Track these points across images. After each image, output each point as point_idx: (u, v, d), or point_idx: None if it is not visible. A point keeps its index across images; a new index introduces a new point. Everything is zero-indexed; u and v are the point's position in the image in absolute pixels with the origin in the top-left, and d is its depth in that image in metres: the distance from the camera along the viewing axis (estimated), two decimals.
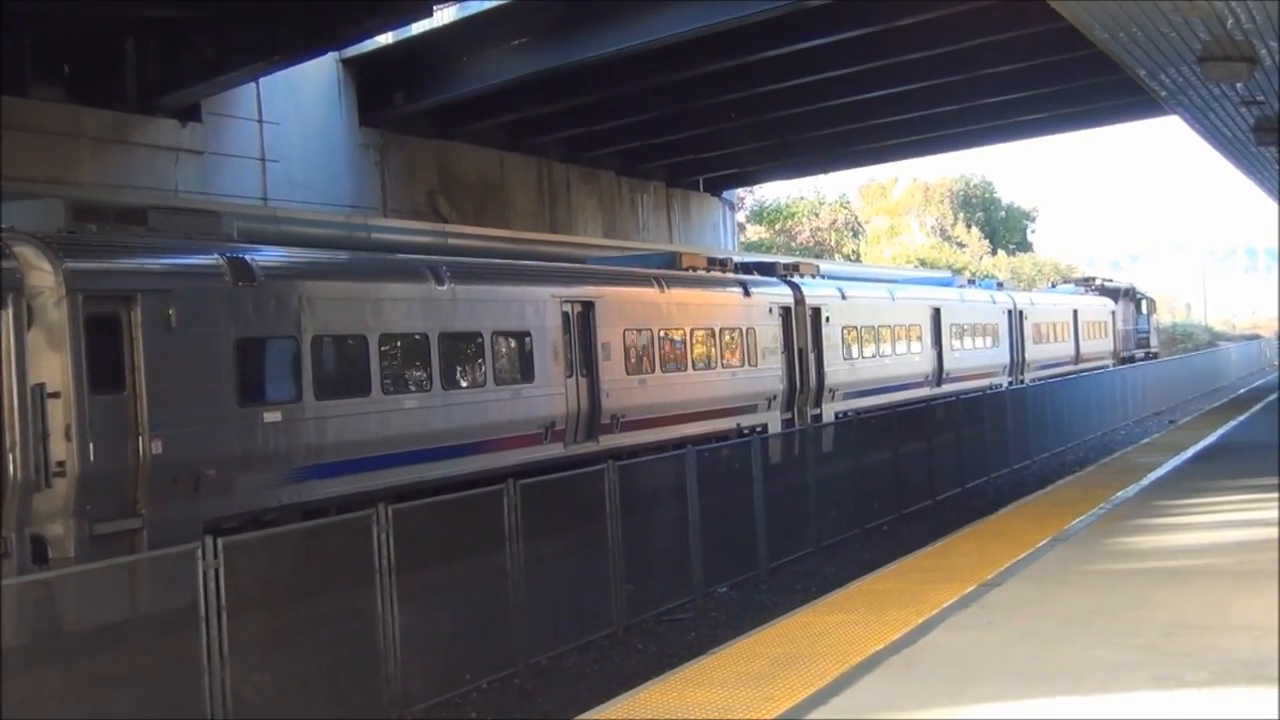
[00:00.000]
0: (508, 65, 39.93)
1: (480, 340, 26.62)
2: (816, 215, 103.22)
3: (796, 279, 40.51)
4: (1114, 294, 75.97)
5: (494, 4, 37.62)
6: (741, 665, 13.43)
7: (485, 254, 34.75)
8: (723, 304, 35.62)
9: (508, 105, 44.29)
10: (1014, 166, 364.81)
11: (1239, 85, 22.87)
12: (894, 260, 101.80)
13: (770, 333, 37.25)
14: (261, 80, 37.44)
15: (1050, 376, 55.75)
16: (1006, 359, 56.31)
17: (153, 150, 35.29)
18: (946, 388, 47.91)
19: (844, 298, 42.33)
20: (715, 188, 65.65)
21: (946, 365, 49.43)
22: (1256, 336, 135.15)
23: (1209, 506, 23.21)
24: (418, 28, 38.33)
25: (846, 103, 48.99)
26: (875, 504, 29.48)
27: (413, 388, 24.93)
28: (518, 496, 18.10)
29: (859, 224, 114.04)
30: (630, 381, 30.88)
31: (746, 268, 40.07)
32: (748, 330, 36.17)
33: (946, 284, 56.96)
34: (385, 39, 39.48)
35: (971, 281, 62.23)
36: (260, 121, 38.55)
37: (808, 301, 39.65)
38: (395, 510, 16.10)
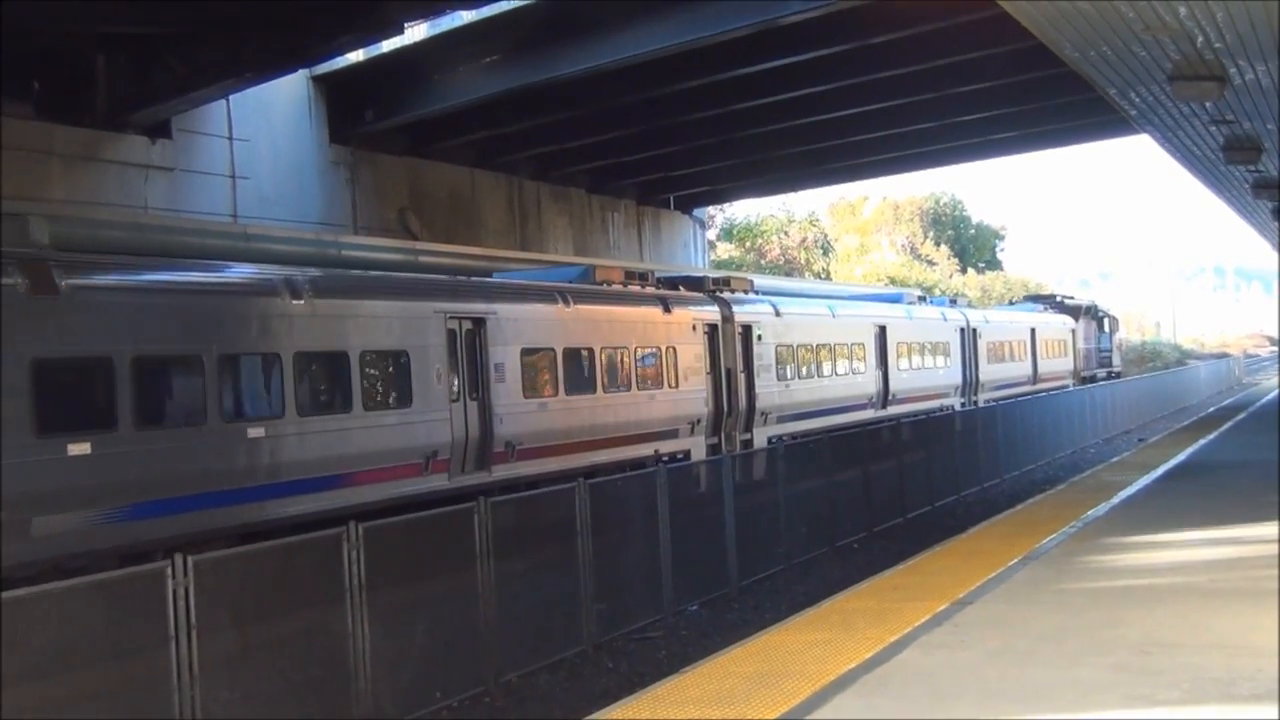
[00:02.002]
0: (479, 83, 39.90)
1: (346, 361, 24.37)
2: (786, 234, 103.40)
3: (726, 294, 38.79)
4: (1075, 311, 74.34)
5: (465, 21, 37.59)
6: (714, 684, 13.39)
7: (454, 272, 34.36)
8: (638, 321, 33.64)
9: (479, 123, 44.28)
10: (984, 185, 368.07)
11: (1209, 104, 22.96)
12: (864, 278, 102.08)
13: (693, 352, 35.40)
14: (232, 97, 37.35)
15: (1006, 397, 54.33)
16: (958, 379, 54.71)
17: (123, 167, 35.20)
18: (893, 410, 46.46)
19: (778, 314, 40.52)
20: (686, 205, 65.67)
21: (893, 386, 47.72)
22: (1225, 355, 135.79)
23: (1180, 525, 23.22)
24: (389, 45, 38.28)
25: (817, 121, 49.03)
26: (846, 522, 29.48)
27: (261, 414, 22.64)
28: (488, 514, 18.07)
29: (828, 242, 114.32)
30: (528, 405, 28.86)
31: (672, 283, 38.35)
32: (667, 349, 34.27)
33: (895, 300, 55.36)
34: (356, 56, 39.42)
35: (922, 298, 60.25)
36: (231, 138, 38.46)
37: (737, 319, 37.94)
38: (366, 528, 16.03)
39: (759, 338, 38.80)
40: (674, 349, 34.51)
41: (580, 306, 31.49)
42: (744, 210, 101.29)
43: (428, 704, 16.59)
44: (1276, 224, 43.91)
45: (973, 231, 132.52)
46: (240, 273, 24.31)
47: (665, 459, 31.56)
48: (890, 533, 30.49)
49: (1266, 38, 18.34)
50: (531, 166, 52.17)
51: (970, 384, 55.72)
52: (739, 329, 37.95)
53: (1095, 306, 79.33)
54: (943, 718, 11.67)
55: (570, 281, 33.55)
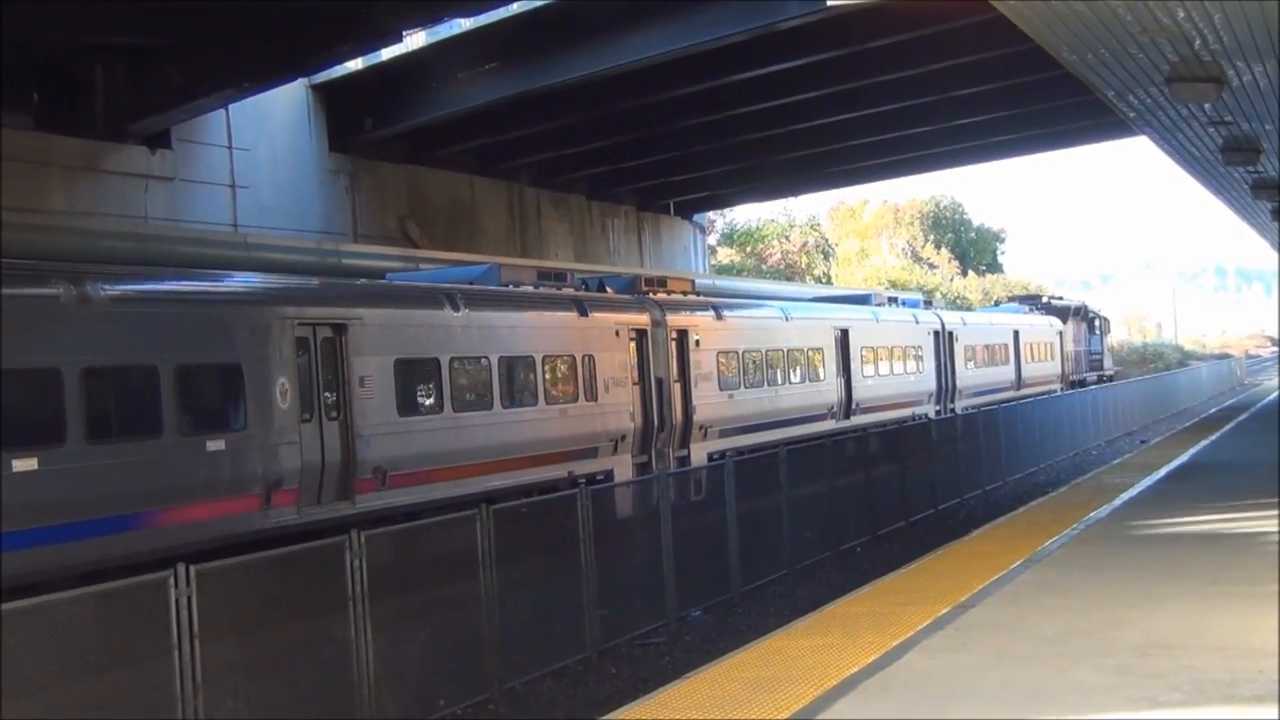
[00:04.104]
0: (478, 90, 39.96)
1: (155, 376, 20.56)
2: (787, 238, 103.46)
3: (661, 296, 35.41)
4: (1063, 313, 71.85)
5: (464, 29, 37.66)
6: (716, 689, 13.40)
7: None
8: (549, 326, 30.12)
9: (478, 130, 44.37)
10: (984, 188, 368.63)
11: (1207, 106, 22.96)
12: (865, 282, 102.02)
13: (616, 360, 31.78)
14: (231, 106, 37.44)
15: (987, 404, 50.62)
16: (932, 385, 51.60)
17: (122, 177, 35.23)
18: (857, 420, 43.29)
19: (719, 318, 37.17)
20: (686, 211, 65.73)
21: (857, 395, 44.45)
22: (1227, 355, 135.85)
23: (1181, 527, 23.23)
24: (387, 53, 38.38)
25: (817, 125, 49.11)
26: (849, 526, 29.46)
27: (32, 442, 18.78)
28: (490, 522, 18.07)
29: (829, 246, 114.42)
30: (405, 424, 25.26)
31: (601, 284, 34.86)
32: (584, 358, 30.63)
33: (863, 302, 51.84)
34: (355, 64, 39.50)
35: (893, 300, 55.56)
36: (230, 148, 38.51)
37: (670, 323, 34.31)
38: (369, 536, 16.02)
39: (696, 343, 35.33)
40: (592, 357, 30.93)
41: (474, 311, 27.77)
42: (745, 215, 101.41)
43: (431, 711, 16.59)
44: (1276, 224, 43.91)
45: (973, 234, 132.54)
46: (11, 270, 20.19)
47: (583, 481, 27.19)
48: (893, 536, 30.47)
49: (1264, 39, 18.35)
50: (531, 173, 52.24)
51: (946, 390, 52.94)
52: (673, 334, 34.51)
53: (1085, 307, 77.44)
54: None
55: (471, 282, 30.19)
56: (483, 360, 27.68)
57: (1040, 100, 46.53)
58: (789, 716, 12.06)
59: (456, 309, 27.20)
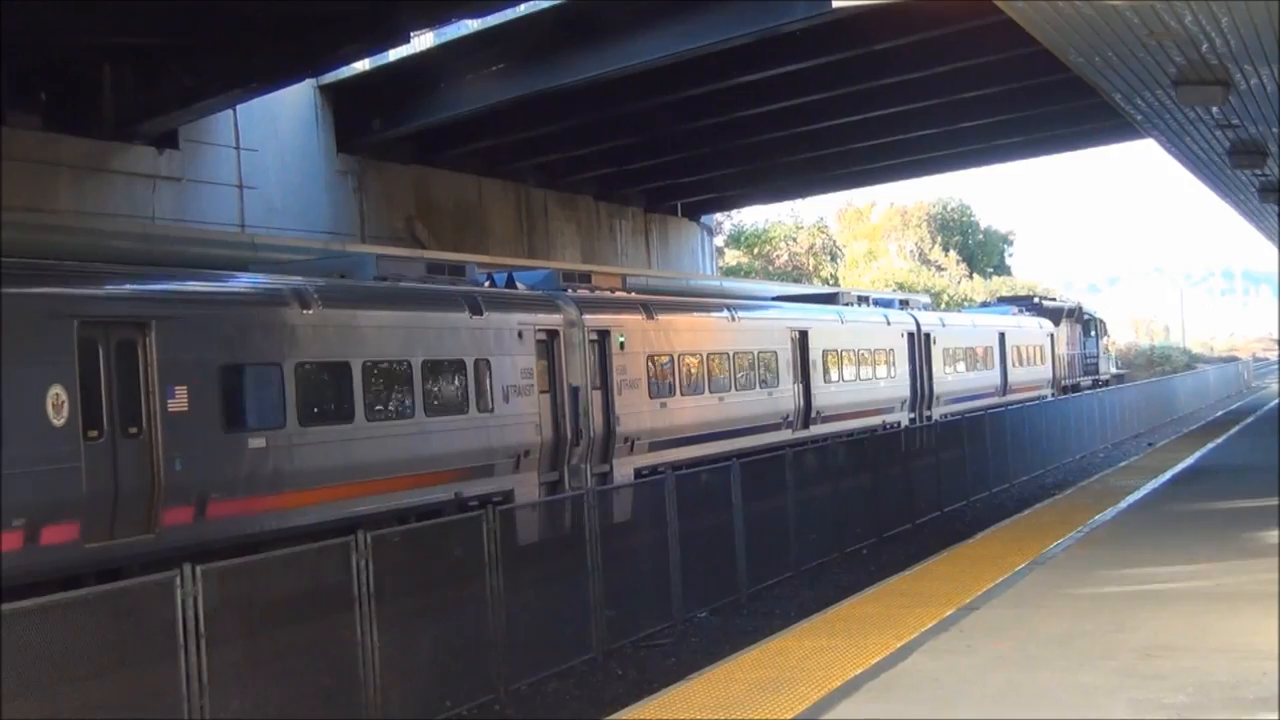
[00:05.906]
0: (485, 91, 39.96)
1: None
2: (794, 240, 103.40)
3: (583, 293, 32.31)
4: (1055, 314, 68.21)
5: (472, 30, 37.66)
6: (721, 690, 13.43)
7: None
8: (430, 327, 26.18)
9: (486, 131, 44.36)
10: (992, 190, 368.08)
11: (1214, 109, 22.98)
12: (873, 284, 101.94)
13: (518, 365, 28.00)
14: (239, 107, 37.42)
15: (969, 410, 47.56)
16: (906, 391, 48.10)
17: (130, 178, 35.23)
18: (818, 429, 40.13)
19: (651, 317, 33.53)
20: (693, 212, 65.65)
21: (817, 402, 40.95)
22: (1234, 359, 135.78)
23: (1186, 529, 23.23)
24: (395, 54, 38.32)
25: (824, 127, 49.11)
26: (855, 528, 29.48)
27: None
28: (497, 523, 18.09)
29: (836, 248, 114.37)
30: (233, 441, 21.34)
31: (510, 279, 31.45)
32: (476, 363, 26.83)
33: (829, 300, 48.95)
34: (363, 65, 39.47)
35: (863, 299, 51.50)
36: (238, 148, 38.50)
37: (588, 323, 30.69)
38: (374, 536, 16.03)
39: (621, 345, 31.77)
40: (486, 362, 27.13)
41: (330, 309, 23.88)
42: (752, 217, 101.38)
43: (437, 712, 16.61)
44: None
45: (981, 237, 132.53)
46: None
47: (474, 503, 24.70)
48: (899, 538, 30.47)
49: (1270, 42, 18.37)
50: (538, 174, 52.20)
51: (921, 396, 49.48)
52: (592, 335, 30.90)
53: (1079, 308, 75.06)
54: None
55: (342, 274, 27.00)
56: (341, 366, 23.77)
57: (1048, 103, 46.51)
58: (793, 717, 12.09)
59: (306, 306, 23.27)
